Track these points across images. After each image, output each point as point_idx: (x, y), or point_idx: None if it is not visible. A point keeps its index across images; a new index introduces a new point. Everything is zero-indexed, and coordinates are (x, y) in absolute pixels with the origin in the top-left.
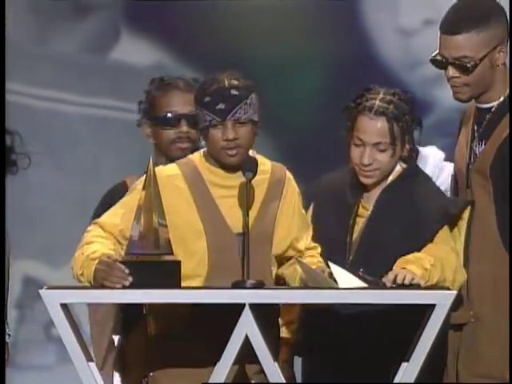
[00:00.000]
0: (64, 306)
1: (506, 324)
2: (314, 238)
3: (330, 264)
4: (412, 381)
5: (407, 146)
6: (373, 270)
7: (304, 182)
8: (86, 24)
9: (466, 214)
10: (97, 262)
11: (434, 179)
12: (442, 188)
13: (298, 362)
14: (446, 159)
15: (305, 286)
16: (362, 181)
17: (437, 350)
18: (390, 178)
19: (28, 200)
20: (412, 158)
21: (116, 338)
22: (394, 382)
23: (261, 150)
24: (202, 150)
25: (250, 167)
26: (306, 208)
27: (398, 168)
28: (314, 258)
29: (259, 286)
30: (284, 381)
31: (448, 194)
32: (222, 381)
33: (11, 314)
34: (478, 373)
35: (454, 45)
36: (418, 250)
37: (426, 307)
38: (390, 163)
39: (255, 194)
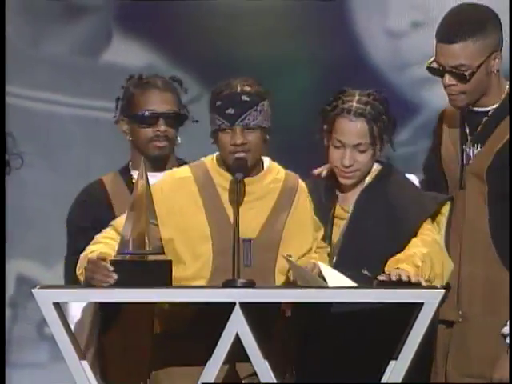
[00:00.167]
0: (56, 305)
1: (496, 324)
2: None
3: (319, 263)
4: (400, 379)
5: (385, 146)
6: (359, 270)
7: None
8: (77, 26)
9: (446, 209)
10: None
11: None
12: None
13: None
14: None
15: (295, 284)
16: (341, 182)
17: (424, 349)
18: (368, 179)
19: (22, 200)
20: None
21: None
22: (382, 380)
23: None
24: (215, 154)
25: (239, 168)
26: None
27: (375, 168)
28: (316, 253)
29: (250, 285)
30: (275, 380)
31: None
32: (213, 380)
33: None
34: (467, 373)
35: (451, 53)
36: (403, 247)
37: (415, 305)
38: (369, 163)
39: (266, 202)
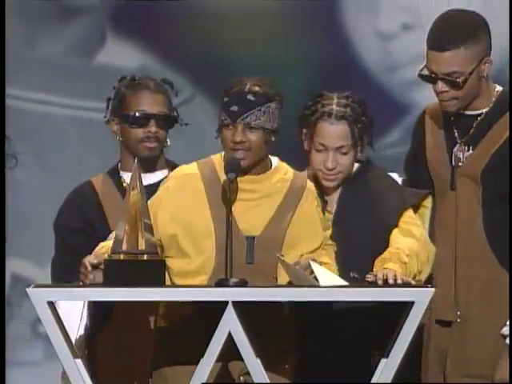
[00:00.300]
0: (51, 304)
1: (494, 324)
2: None
3: (311, 262)
4: (390, 378)
5: (365, 147)
6: (348, 268)
7: None
8: (71, 27)
9: (429, 202)
10: None
11: None
12: None
13: None
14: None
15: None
16: (325, 185)
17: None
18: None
19: (16, 200)
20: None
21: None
22: (373, 380)
23: None
24: (223, 151)
25: (232, 168)
26: None
27: (355, 168)
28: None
29: (242, 284)
30: (267, 380)
31: None
32: (205, 378)
33: None
34: (466, 373)
35: (444, 61)
36: (387, 240)
37: (405, 304)
38: (351, 165)
39: (272, 200)
